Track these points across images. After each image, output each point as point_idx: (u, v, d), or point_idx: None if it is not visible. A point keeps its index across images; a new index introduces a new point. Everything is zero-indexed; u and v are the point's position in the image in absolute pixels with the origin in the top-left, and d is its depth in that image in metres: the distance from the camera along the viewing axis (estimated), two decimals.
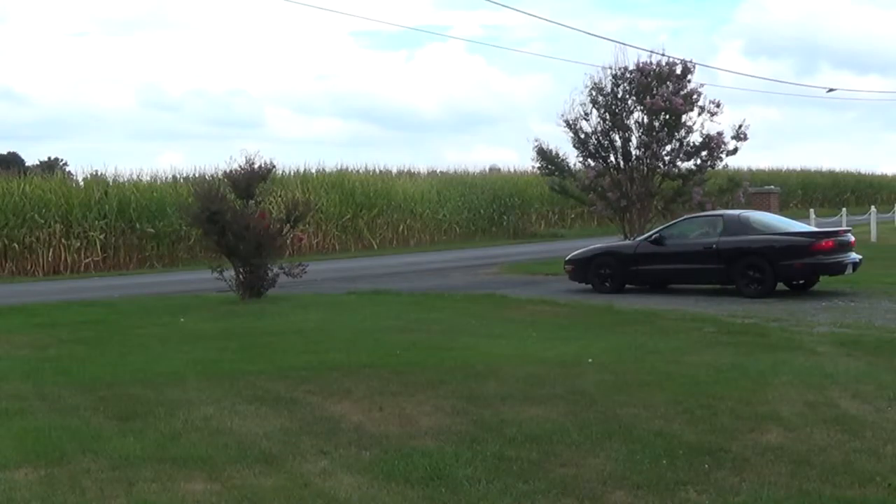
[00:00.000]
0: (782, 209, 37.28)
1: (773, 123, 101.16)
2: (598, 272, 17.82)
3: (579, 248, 19.42)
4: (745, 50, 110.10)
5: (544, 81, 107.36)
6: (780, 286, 16.68)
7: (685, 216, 20.03)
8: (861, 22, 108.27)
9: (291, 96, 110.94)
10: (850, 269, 16.41)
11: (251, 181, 16.83)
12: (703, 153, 23.52)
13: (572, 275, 18.31)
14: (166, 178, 33.90)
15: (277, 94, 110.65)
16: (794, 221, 18.91)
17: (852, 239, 16.93)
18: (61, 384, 9.03)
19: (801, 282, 17.05)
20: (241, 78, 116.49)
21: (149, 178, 33.19)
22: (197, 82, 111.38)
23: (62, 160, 59.00)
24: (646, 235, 18.58)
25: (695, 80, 23.58)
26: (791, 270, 16.48)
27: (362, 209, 35.29)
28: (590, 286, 17.79)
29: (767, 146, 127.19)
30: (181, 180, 33.25)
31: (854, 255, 16.64)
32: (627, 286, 17.64)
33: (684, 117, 23.25)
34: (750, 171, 47.65)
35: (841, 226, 25.92)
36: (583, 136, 23.64)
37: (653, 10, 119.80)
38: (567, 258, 18.73)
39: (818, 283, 17.11)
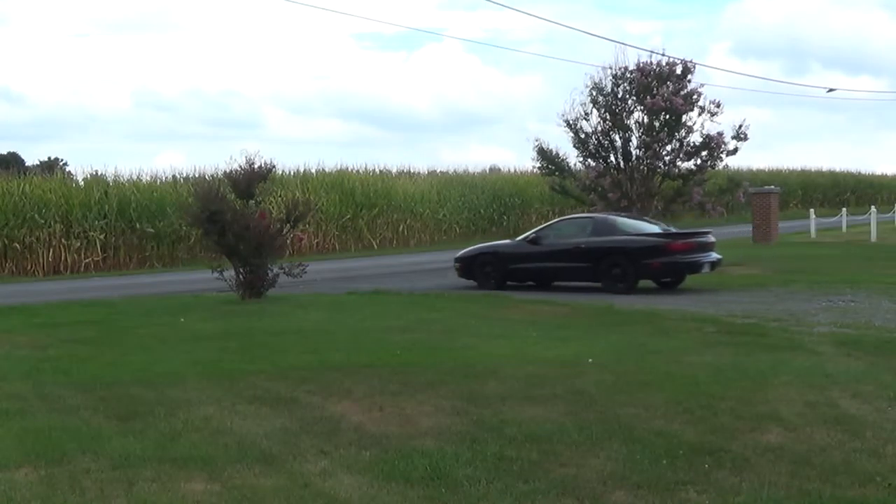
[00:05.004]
0: (782, 209, 37.31)
1: (768, 124, 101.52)
2: (482, 270, 18.83)
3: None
4: (733, 51, 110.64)
5: (541, 82, 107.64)
6: (649, 283, 17.87)
7: (560, 218, 21.72)
8: (849, 24, 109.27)
9: (291, 97, 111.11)
10: (707, 268, 17.59)
11: (251, 181, 16.82)
12: (704, 153, 23.52)
13: (460, 272, 19.28)
14: (166, 178, 33.97)
15: (277, 95, 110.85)
16: (658, 224, 19.53)
17: (713, 240, 18.07)
18: (61, 384, 9.02)
19: (667, 280, 18.05)
20: (241, 79, 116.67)
21: (149, 178, 33.28)
22: (197, 83, 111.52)
23: (62, 160, 59.07)
24: (524, 236, 19.59)
25: (693, 80, 23.64)
26: (650, 269, 17.57)
27: (362, 209, 35.29)
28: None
29: (763, 146, 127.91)
30: (181, 180, 33.27)
31: (714, 255, 17.77)
32: (508, 283, 18.49)
33: (684, 117, 23.26)
34: (750, 171, 47.71)
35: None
36: (583, 136, 23.64)
37: (642, 13, 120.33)
38: (456, 257, 19.80)
39: (816, 283, 17.19)
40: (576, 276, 18.02)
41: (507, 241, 20.84)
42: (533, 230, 20.03)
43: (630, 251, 17.42)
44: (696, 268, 17.49)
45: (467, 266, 19.14)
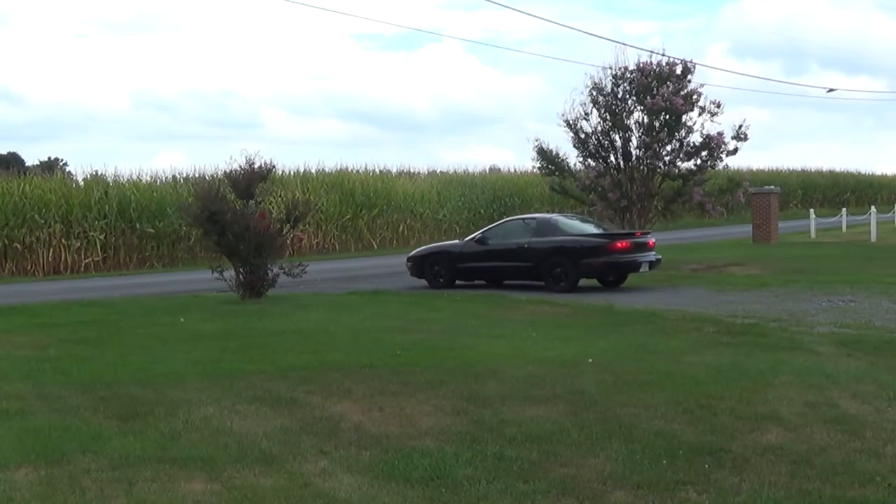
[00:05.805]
0: (782, 209, 37.30)
1: (767, 124, 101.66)
2: (432, 269, 19.34)
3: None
4: (731, 51, 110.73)
5: (541, 82, 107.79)
6: (592, 282, 18.30)
7: (505, 219, 22.05)
8: (847, 24, 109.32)
9: (290, 97, 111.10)
10: (645, 268, 18.09)
11: (251, 181, 16.84)
12: (704, 153, 23.54)
13: (411, 271, 19.66)
14: (166, 178, 33.94)
15: (276, 95, 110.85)
16: (598, 226, 19.97)
17: (651, 241, 18.59)
18: (61, 384, 9.03)
19: (611, 279, 18.52)
20: (240, 79, 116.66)
21: (149, 179, 33.25)
22: (196, 83, 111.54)
23: (62, 160, 59.05)
24: (472, 236, 19.94)
25: (692, 80, 23.65)
26: (590, 268, 18.03)
27: (362, 209, 35.28)
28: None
29: (763, 146, 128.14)
30: (181, 180, 33.25)
31: (652, 255, 18.25)
32: (458, 282, 18.96)
33: (684, 117, 23.27)
34: (750, 171, 47.68)
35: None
36: (583, 136, 23.66)
37: (642, 13, 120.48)
38: (408, 256, 20.30)
39: (816, 283, 17.17)
40: (520, 275, 18.45)
41: (456, 241, 21.17)
42: (480, 230, 20.57)
43: (571, 251, 17.90)
44: (634, 267, 17.97)
45: (418, 266, 19.58)
